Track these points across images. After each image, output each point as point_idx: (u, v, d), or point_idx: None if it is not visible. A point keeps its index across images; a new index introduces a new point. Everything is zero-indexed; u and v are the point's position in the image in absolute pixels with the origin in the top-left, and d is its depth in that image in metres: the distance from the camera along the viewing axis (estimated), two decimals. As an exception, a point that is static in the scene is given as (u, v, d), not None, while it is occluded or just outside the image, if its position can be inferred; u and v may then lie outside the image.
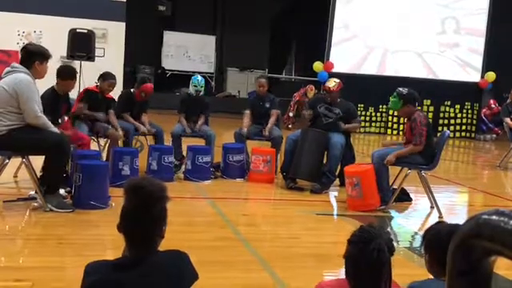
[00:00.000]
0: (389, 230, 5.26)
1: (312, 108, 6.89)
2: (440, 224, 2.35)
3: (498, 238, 0.69)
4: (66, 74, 5.81)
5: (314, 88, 13.81)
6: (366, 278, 1.95)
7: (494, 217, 0.71)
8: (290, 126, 12.94)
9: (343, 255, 2.05)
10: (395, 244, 4.75)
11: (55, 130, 4.96)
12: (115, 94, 7.23)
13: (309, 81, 15.33)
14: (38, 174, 5.18)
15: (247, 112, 7.39)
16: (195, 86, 7.41)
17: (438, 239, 2.13)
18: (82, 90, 7.13)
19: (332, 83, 6.79)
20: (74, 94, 6.58)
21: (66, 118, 6.03)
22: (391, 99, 5.92)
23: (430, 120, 14.40)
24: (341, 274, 2.11)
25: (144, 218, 1.89)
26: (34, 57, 4.85)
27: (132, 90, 7.36)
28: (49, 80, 5.46)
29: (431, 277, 2.31)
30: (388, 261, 1.97)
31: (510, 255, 0.69)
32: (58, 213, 4.79)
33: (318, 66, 14.01)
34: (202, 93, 7.50)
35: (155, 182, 1.96)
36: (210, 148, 6.99)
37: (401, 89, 5.85)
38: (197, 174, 6.64)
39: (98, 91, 6.77)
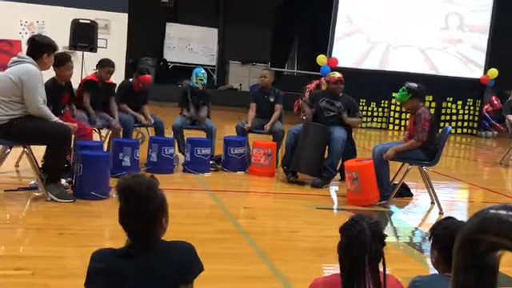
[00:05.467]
0: (388, 224, 5.26)
1: (313, 102, 6.90)
2: (449, 220, 2.34)
3: (505, 233, 0.69)
4: (61, 60, 5.75)
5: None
6: (351, 261, 1.98)
7: (501, 211, 0.70)
8: (304, 117, 12.78)
9: (336, 249, 2.07)
10: (395, 239, 4.76)
11: (57, 120, 4.96)
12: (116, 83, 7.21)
13: (311, 75, 15.30)
14: (40, 163, 5.19)
15: (252, 105, 7.38)
16: (201, 79, 7.33)
17: (448, 235, 2.13)
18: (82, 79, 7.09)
19: (339, 74, 6.88)
20: (75, 84, 6.56)
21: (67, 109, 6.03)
22: (400, 92, 5.92)
23: (434, 116, 14.44)
24: (339, 268, 2.11)
25: (138, 217, 1.94)
26: (43, 49, 4.85)
27: (131, 79, 7.34)
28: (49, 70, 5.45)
29: (434, 272, 2.31)
30: (368, 240, 1.98)
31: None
32: (58, 203, 4.80)
33: (321, 59, 13.95)
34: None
35: (145, 180, 1.98)
36: (208, 140, 6.97)
37: (411, 83, 5.89)
38: (195, 166, 6.64)
39: (97, 80, 6.74)
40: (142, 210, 1.93)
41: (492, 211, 0.71)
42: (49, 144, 4.93)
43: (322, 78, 13.69)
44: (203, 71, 7.43)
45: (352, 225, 2.03)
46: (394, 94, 13.52)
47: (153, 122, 7.15)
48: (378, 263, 2.02)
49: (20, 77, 4.68)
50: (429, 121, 5.68)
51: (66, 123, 5.13)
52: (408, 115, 5.98)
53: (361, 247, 1.98)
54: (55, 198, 4.81)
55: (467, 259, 0.74)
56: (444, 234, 2.20)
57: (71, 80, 6.11)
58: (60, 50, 5.23)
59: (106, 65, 6.73)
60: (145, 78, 7.12)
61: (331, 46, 14.37)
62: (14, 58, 4.87)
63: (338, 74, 6.88)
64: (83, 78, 7.59)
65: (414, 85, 5.84)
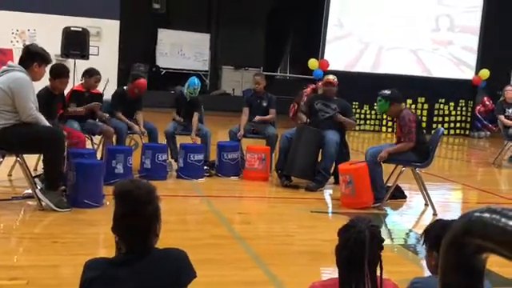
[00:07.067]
0: (383, 226, 5.27)
1: (309, 105, 6.93)
2: (441, 221, 2.34)
3: (489, 236, 0.70)
4: (59, 73, 5.80)
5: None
6: (349, 262, 1.99)
7: (485, 214, 0.71)
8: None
9: (334, 251, 2.08)
10: (390, 241, 4.76)
11: (49, 125, 4.96)
12: (107, 91, 7.20)
13: (304, 79, 15.33)
14: (33, 172, 5.17)
15: (245, 109, 7.39)
16: (191, 92, 7.31)
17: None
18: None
19: (332, 76, 6.91)
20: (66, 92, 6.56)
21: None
22: (377, 103, 5.97)
23: (425, 117, 14.50)
24: (335, 271, 2.12)
25: (135, 221, 1.93)
26: (34, 58, 4.84)
27: (125, 87, 7.31)
28: (43, 79, 5.44)
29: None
30: (367, 241, 1.99)
31: (501, 253, 0.70)
32: (52, 212, 4.78)
33: (313, 63, 13.98)
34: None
35: (143, 184, 1.99)
36: (201, 146, 6.97)
37: (383, 91, 5.91)
38: (189, 172, 6.63)
39: (83, 90, 6.74)
40: (140, 214, 1.92)
41: (476, 214, 0.72)
42: (42, 150, 4.92)
43: (319, 83, 13.71)
44: (197, 84, 7.35)
45: (351, 226, 2.04)
46: (375, 105, 13.55)
47: (146, 133, 7.10)
48: (376, 266, 2.03)
49: (9, 85, 4.66)
50: (414, 121, 5.72)
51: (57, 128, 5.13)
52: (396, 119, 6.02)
53: (359, 248, 1.99)
54: (53, 206, 4.79)
55: (454, 261, 0.75)
56: (441, 236, 2.19)
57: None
58: (52, 57, 5.21)
59: (93, 73, 6.77)
60: (140, 82, 7.08)
61: (323, 50, 14.41)
62: (4, 67, 4.86)
63: (330, 77, 6.92)
64: (73, 86, 7.55)
65: (388, 91, 5.87)
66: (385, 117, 14.61)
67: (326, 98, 6.80)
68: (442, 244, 0.79)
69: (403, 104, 5.94)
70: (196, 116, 7.30)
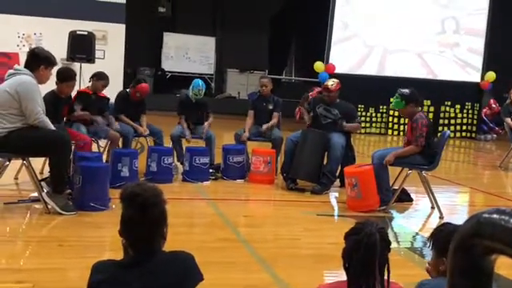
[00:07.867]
0: (389, 229, 5.25)
1: (311, 108, 6.91)
2: (450, 226, 2.33)
3: (498, 237, 0.69)
4: (65, 76, 5.82)
5: None
6: (360, 265, 1.99)
7: (494, 215, 0.71)
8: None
9: (341, 254, 2.07)
10: (396, 244, 4.75)
11: (55, 129, 4.97)
12: (113, 94, 7.22)
13: (309, 81, 15.33)
14: (39, 176, 5.18)
15: (250, 112, 7.39)
16: (196, 94, 7.32)
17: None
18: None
19: (330, 82, 6.81)
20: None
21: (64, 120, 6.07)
22: (393, 100, 5.93)
23: (430, 120, 14.46)
24: (341, 274, 2.11)
25: (143, 223, 1.94)
26: (39, 61, 4.86)
27: (128, 90, 7.35)
28: (49, 82, 5.46)
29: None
30: (378, 244, 1.99)
31: (510, 254, 0.69)
32: (58, 215, 4.79)
33: (319, 66, 13.95)
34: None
35: (149, 187, 2.00)
36: (207, 149, 6.97)
37: (402, 89, 5.87)
38: (194, 175, 6.63)
39: (90, 92, 6.76)
40: (148, 216, 1.93)
41: (485, 215, 0.72)
42: (48, 153, 4.93)
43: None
44: (201, 85, 7.33)
45: (361, 229, 2.04)
46: (391, 99, 13.54)
47: (148, 132, 7.13)
48: (384, 269, 2.03)
49: (16, 89, 4.67)
50: (426, 126, 5.69)
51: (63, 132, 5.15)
52: (407, 120, 6.02)
53: (371, 251, 1.99)
54: (59, 210, 4.79)
55: (462, 263, 0.75)
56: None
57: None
58: (57, 61, 5.23)
59: (102, 77, 6.79)
60: (142, 86, 7.14)
61: (328, 53, 14.39)
62: (10, 71, 4.87)
63: (328, 83, 6.78)
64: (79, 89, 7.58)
65: (407, 90, 5.84)
66: (391, 120, 14.59)
67: (328, 103, 6.77)
68: (450, 245, 0.78)
69: (419, 107, 5.90)
70: (210, 120, 7.34)
